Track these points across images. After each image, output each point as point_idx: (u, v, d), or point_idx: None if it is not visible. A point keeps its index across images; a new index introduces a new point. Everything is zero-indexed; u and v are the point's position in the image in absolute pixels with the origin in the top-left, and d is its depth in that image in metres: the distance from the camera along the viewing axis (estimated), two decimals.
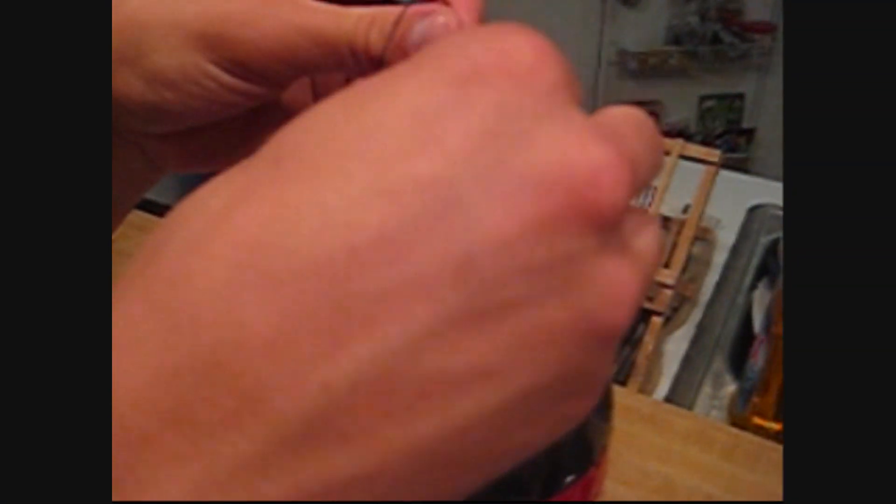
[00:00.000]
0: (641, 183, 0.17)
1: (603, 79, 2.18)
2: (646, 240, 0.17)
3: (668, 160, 0.83)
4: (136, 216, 0.89)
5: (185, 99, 0.25)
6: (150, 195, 0.95)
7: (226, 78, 0.24)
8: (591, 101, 2.22)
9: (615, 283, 0.15)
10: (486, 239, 0.14)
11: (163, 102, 0.25)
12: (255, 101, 0.26)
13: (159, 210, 0.91)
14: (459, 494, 0.16)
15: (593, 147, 0.15)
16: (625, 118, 0.17)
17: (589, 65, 2.18)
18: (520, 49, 0.15)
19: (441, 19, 0.23)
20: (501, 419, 0.15)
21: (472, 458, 0.15)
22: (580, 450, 0.29)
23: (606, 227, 0.15)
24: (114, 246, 0.79)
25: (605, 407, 0.30)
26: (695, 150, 0.84)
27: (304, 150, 0.15)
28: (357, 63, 0.24)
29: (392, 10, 0.23)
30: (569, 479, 0.29)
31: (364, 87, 0.16)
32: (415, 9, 0.23)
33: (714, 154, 0.82)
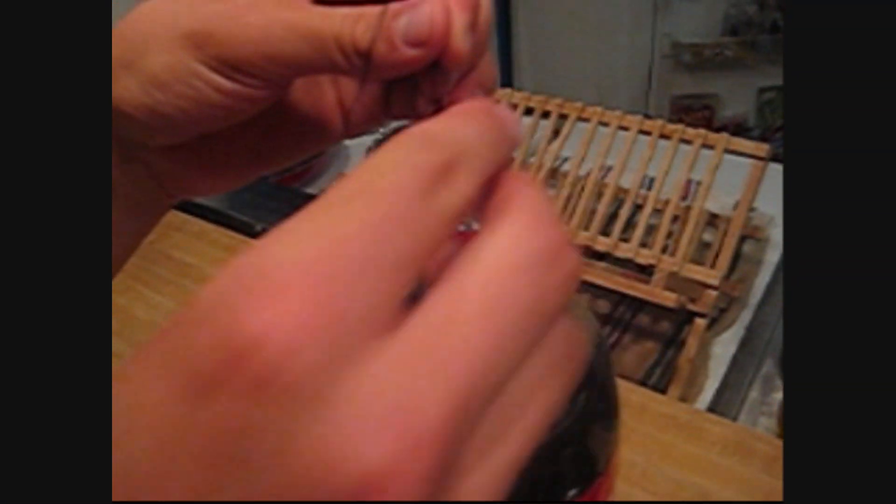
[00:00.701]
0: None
1: (656, 73, 2.13)
2: None
3: (713, 155, 0.80)
4: (176, 216, 0.90)
5: (175, 100, 0.24)
6: None
7: (214, 77, 0.24)
8: (644, 98, 2.17)
9: None
10: None
11: (155, 104, 0.25)
12: (250, 106, 0.25)
13: (199, 211, 0.92)
14: None
15: (366, 447, 0.12)
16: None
17: (641, 58, 2.13)
18: (255, 341, 0.13)
19: (426, 9, 0.22)
20: None
21: None
22: (583, 462, 0.28)
23: None
24: (153, 246, 0.79)
25: (610, 416, 0.29)
26: (742, 144, 0.80)
27: None
28: (346, 59, 0.23)
29: (378, 7, 0.23)
30: (572, 493, 0.27)
31: (121, 384, 0.14)
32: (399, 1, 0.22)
33: (762, 148, 0.78)
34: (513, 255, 0.15)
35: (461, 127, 0.17)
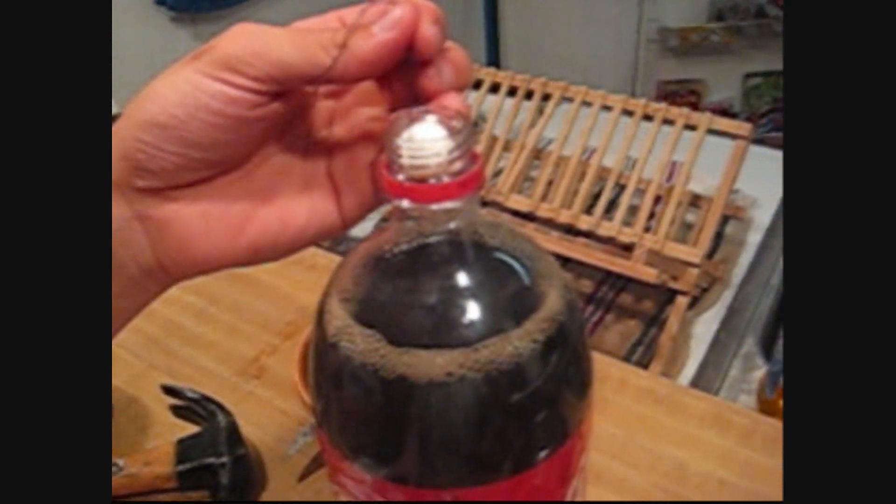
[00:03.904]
0: None
1: (643, 57, 2.13)
2: None
3: (696, 135, 0.80)
4: None
5: (168, 108, 0.26)
6: None
7: (203, 81, 0.26)
8: (631, 81, 2.17)
9: None
10: None
11: (150, 117, 0.27)
12: (234, 113, 0.27)
13: None
14: None
15: None
16: None
17: (628, 43, 2.13)
18: None
19: (397, 7, 0.26)
20: None
21: None
22: (553, 424, 0.28)
23: None
24: None
25: (581, 384, 0.29)
26: (724, 123, 0.80)
27: None
28: (326, 51, 0.26)
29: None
30: (542, 454, 0.27)
31: None
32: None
33: (744, 127, 0.78)
34: None
35: None
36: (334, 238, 0.32)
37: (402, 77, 0.29)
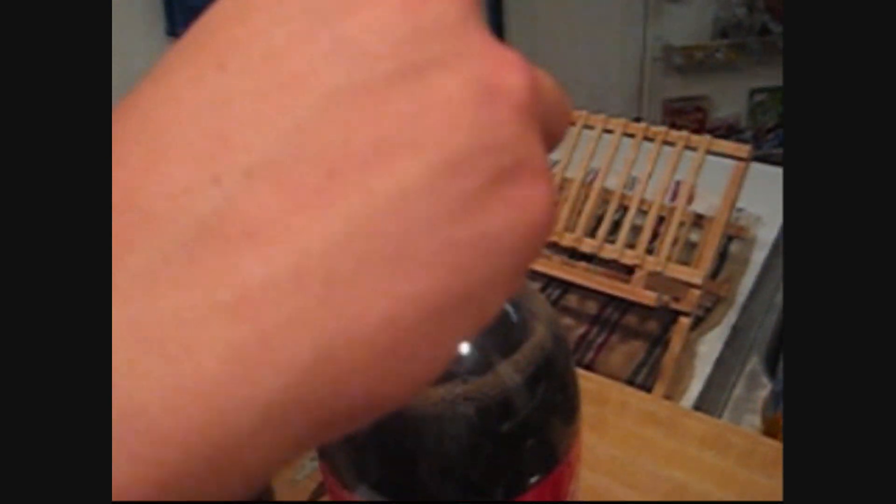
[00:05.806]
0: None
1: (648, 75, 2.14)
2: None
3: (696, 156, 0.81)
4: None
5: None
6: None
7: None
8: (637, 99, 2.19)
9: (500, 52, 0.16)
10: (355, 21, 0.15)
11: None
12: None
13: None
14: (419, 296, 0.14)
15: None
16: None
17: (633, 61, 2.14)
18: None
19: None
20: (431, 195, 0.14)
21: (417, 246, 0.14)
22: (543, 452, 0.29)
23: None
24: None
25: (568, 411, 0.30)
26: (724, 145, 0.81)
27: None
28: None
29: None
30: (533, 479, 0.29)
31: None
32: None
33: (743, 149, 0.80)
34: None
35: None
36: None
37: None
